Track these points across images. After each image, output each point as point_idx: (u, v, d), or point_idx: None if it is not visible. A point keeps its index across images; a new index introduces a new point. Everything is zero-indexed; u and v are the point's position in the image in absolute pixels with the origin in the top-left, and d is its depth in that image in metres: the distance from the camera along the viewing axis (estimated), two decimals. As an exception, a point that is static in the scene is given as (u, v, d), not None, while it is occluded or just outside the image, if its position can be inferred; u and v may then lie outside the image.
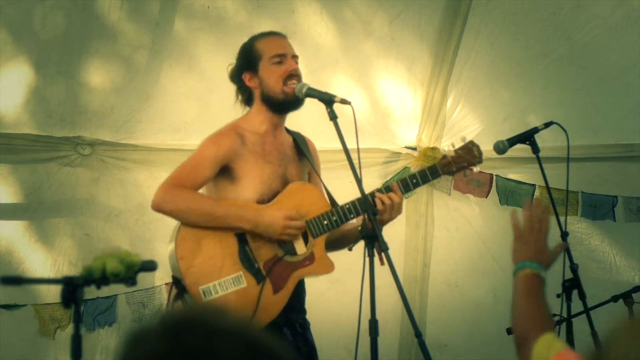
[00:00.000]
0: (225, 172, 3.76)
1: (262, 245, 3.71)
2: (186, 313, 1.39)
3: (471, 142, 3.86)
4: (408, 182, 3.79)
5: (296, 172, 3.89)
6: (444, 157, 3.85)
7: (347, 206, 3.74)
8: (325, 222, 3.74)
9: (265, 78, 3.81)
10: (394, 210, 3.72)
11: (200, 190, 3.78)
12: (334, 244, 3.89)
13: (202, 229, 3.66)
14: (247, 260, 3.68)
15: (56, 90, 4.76)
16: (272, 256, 3.71)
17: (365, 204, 3.39)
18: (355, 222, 3.81)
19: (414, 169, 5.31)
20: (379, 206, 3.68)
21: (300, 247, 3.75)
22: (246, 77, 3.85)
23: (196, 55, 4.94)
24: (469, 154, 3.85)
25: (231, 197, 3.75)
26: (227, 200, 3.74)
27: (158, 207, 3.65)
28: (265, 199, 3.76)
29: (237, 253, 3.68)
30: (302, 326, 3.83)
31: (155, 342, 1.31)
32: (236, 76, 3.89)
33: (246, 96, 3.91)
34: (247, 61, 3.85)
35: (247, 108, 3.92)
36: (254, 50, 3.84)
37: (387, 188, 3.75)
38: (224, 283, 3.64)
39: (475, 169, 3.87)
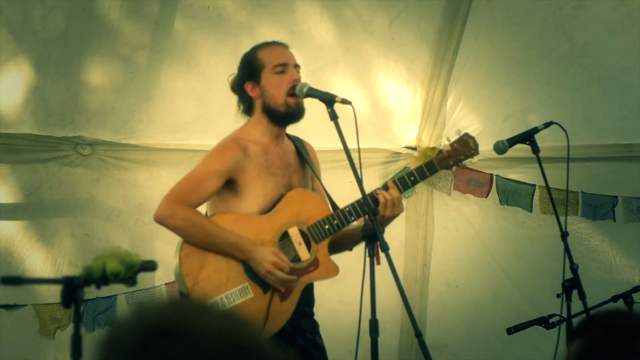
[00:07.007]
0: (228, 184, 3.74)
1: None
2: (163, 314, 1.29)
3: (466, 134, 3.87)
4: (406, 180, 3.78)
5: (300, 181, 3.87)
6: (440, 152, 3.86)
7: (347, 209, 3.74)
8: (327, 226, 3.74)
9: (267, 88, 3.77)
10: (395, 206, 3.71)
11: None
12: (337, 246, 3.88)
13: None
14: (252, 271, 3.66)
15: (56, 90, 4.76)
16: None
17: (366, 204, 3.39)
18: (355, 223, 3.81)
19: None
20: (381, 200, 3.67)
21: (303, 253, 3.73)
22: (248, 87, 3.81)
23: (196, 55, 4.94)
24: (464, 146, 3.85)
25: (235, 210, 3.73)
26: (227, 223, 3.71)
27: (160, 221, 3.67)
28: (268, 209, 3.75)
29: (242, 264, 3.67)
30: (312, 331, 3.83)
31: (130, 349, 1.24)
32: (238, 86, 3.86)
33: (247, 105, 3.87)
34: (250, 71, 3.81)
35: (247, 118, 3.90)
36: (256, 60, 3.81)
37: (384, 186, 3.75)
38: (231, 295, 3.63)
39: (473, 160, 3.89)
